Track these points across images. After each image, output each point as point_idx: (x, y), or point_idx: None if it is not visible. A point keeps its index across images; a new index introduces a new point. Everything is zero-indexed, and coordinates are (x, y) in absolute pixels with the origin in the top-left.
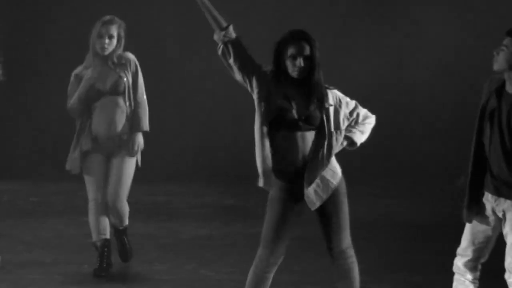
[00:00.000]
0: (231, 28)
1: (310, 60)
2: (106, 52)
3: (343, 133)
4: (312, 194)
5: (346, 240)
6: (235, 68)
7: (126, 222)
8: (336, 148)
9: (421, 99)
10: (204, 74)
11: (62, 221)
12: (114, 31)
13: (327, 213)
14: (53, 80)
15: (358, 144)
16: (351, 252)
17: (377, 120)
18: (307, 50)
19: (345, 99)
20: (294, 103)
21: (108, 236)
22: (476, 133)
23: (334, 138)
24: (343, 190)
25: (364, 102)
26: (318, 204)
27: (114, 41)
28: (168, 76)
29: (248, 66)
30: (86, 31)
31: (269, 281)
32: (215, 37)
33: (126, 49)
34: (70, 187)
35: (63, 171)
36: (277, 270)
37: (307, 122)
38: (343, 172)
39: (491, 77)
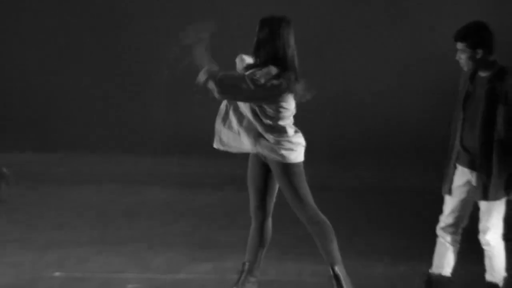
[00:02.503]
0: None
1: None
2: None
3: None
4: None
5: (304, 212)
6: None
7: None
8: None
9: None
10: (224, 56)
11: (91, 188)
12: None
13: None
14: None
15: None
16: (312, 220)
17: (372, 106)
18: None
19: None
20: None
21: None
22: (456, 114)
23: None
24: (287, 170)
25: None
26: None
27: None
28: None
29: None
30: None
31: (269, 229)
32: None
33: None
34: (98, 158)
35: (92, 142)
36: (279, 234)
37: None
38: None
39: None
